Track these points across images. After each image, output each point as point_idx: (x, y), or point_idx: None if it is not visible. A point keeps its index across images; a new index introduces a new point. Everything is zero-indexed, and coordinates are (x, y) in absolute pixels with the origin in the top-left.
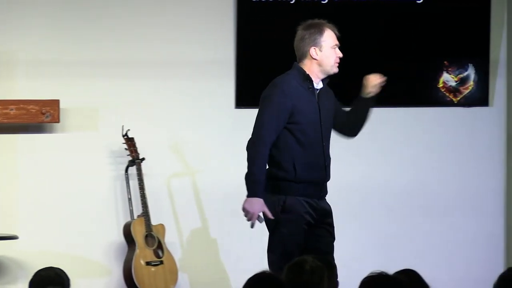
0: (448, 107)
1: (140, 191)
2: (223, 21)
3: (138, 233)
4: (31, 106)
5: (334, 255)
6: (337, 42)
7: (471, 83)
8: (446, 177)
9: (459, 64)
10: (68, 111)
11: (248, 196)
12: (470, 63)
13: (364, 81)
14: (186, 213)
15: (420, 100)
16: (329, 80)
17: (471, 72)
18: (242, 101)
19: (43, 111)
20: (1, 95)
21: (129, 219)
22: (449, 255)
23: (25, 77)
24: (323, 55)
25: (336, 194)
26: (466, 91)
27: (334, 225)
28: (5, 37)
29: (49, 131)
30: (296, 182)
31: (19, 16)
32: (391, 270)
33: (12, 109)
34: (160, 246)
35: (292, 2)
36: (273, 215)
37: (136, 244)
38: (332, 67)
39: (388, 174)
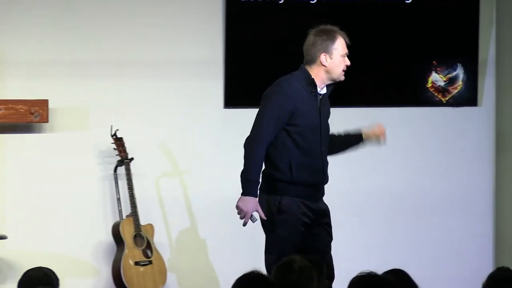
0: (437, 107)
1: (129, 191)
2: (211, 21)
3: (127, 233)
4: (19, 106)
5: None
6: (347, 51)
7: (460, 83)
8: (435, 177)
9: (448, 64)
10: (56, 111)
11: (243, 194)
12: (459, 63)
13: (375, 128)
14: (175, 213)
15: (408, 100)
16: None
17: (460, 72)
18: (230, 101)
19: (32, 111)
20: None
21: (118, 219)
22: (438, 255)
23: (14, 77)
24: (333, 63)
25: (326, 196)
26: (455, 91)
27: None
28: None
29: (38, 131)
30: (292, 183)
31: (7, 16)
32: (380, 270)
33: (0, 109)
34: (149, 246)
35: (281, 2)
36: (268, 215)
37: (125, 244)
38: (339, 75)
39: (375, 174)
